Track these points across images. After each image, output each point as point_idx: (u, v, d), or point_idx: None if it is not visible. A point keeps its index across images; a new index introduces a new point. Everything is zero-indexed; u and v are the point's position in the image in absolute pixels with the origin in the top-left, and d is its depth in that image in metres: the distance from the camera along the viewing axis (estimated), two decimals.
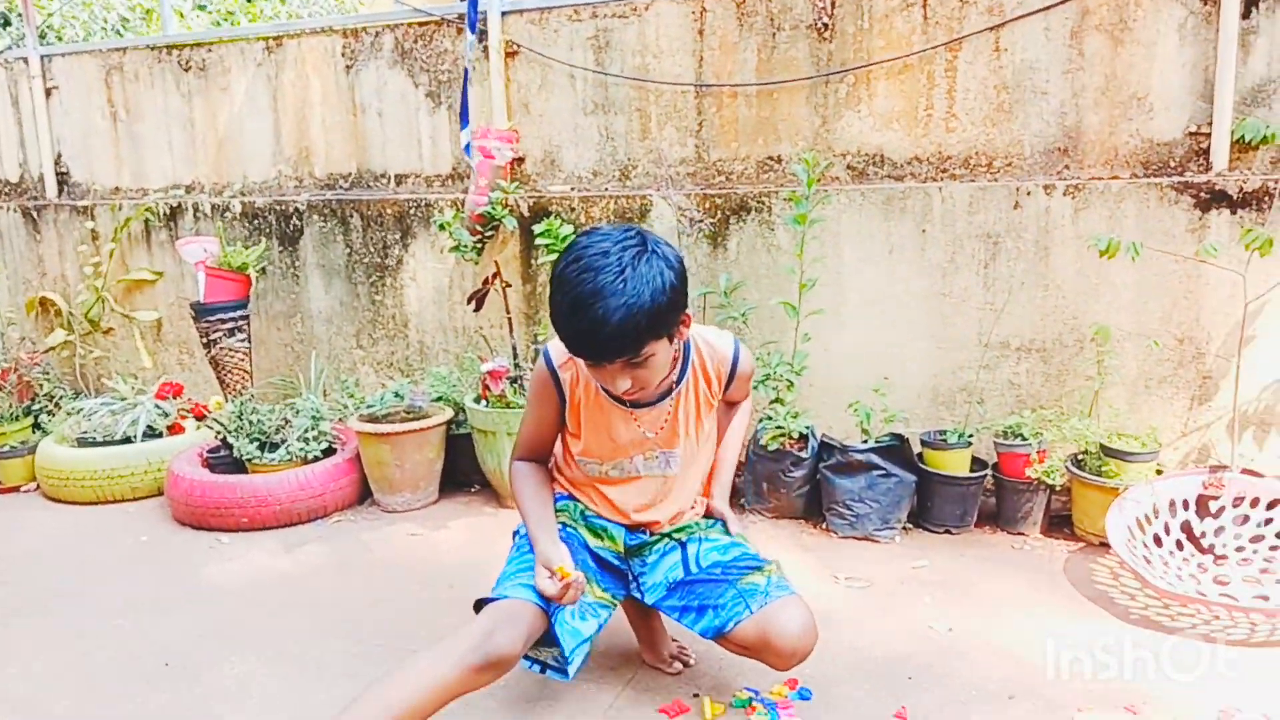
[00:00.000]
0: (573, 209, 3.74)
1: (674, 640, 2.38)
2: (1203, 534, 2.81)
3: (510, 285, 3.73)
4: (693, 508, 2.22)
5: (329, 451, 3.66)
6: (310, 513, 3.45)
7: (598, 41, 3.73)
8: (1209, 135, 3.02)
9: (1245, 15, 2.95)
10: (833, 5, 3.40)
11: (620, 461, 2.10)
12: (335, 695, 2.23)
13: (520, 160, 3.93)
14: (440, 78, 4.03)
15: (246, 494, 3.37)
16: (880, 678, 2.27)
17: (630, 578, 2.18)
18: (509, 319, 3.72)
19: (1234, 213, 2.96)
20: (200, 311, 4.08)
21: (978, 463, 3.21)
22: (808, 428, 3.28)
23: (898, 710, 2.12)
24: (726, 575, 2.04)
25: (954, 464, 3.15)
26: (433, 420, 3.53)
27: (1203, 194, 2.99)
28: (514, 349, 3.73)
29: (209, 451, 3.67)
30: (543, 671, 2.06)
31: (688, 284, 1.85)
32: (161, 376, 4.56)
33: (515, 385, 3.51)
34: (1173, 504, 2.83)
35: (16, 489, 4.01)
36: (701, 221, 3.57)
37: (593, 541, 2.14)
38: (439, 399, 3.72)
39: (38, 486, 3.95)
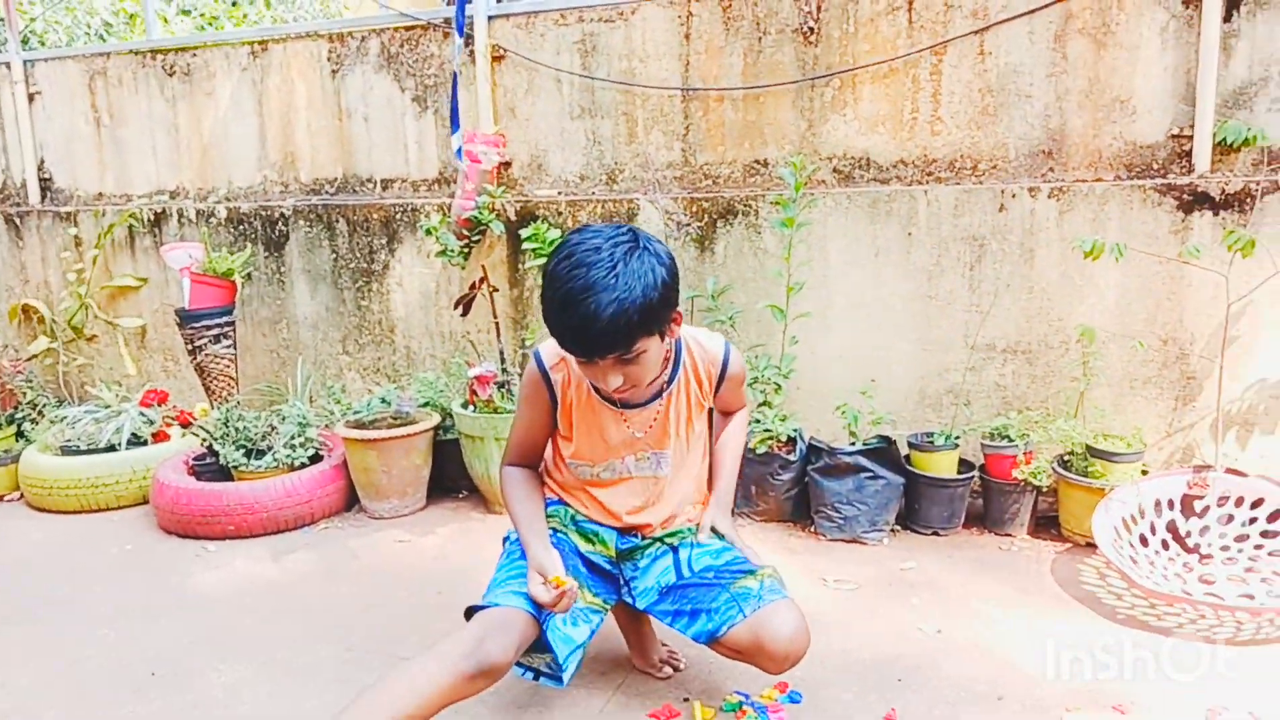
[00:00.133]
0: (560, 213, 3.74)
1: (664, 645, 2.38)
2: (1188, 533, 2.83)
3: (497, 290, 3.73)
4: (685, 512, 2.21)
5: (316, 458, 3.64)
6: (297, 520, 3.43)
7: (584, 45, 3.73)
8: (1191, 138, 3.05)
9: (1226, 19, 2.97)
10: (818, 9, 3.41)
11: (612, 462, 2.09)
12: (326, 702, 2.23)
13: (507, 164, 3.93)
14: (426, 82, 4.02)
15: (233, 501, 3.35)
16: (869, 680, 2.28)
17: (621, 582, 2.17)
18: (496, 323, 3.72)
19: (1216, 214, 2.98)
20: (185, 318, 4.05)
21: (965, 464, 3.22)
22: (796, 430, 3.28)
23: (887, 712, 2.13)
24: (719, 579, 2.04)
25: (941, 466, 3.16)
26: (420, 426, 3.52)
27: (1185, 196, 3.01)
28: (501, 354, 3.72)
29: (194, 459, 3.65)
30: (536, 679, 2.05)
31: (679, 282, 1.85)
32: (146, 384, 4.53)
33: (503, 390, 3.50)
34: (1158, 504, 2.84)
35: (0, 498, 3.97)
36: (688, 225, 3.57)
37: (584, 546, 2.14)
38: (426, 404, 3.71)
39: (21, 496, 3.92)
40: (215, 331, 4.06)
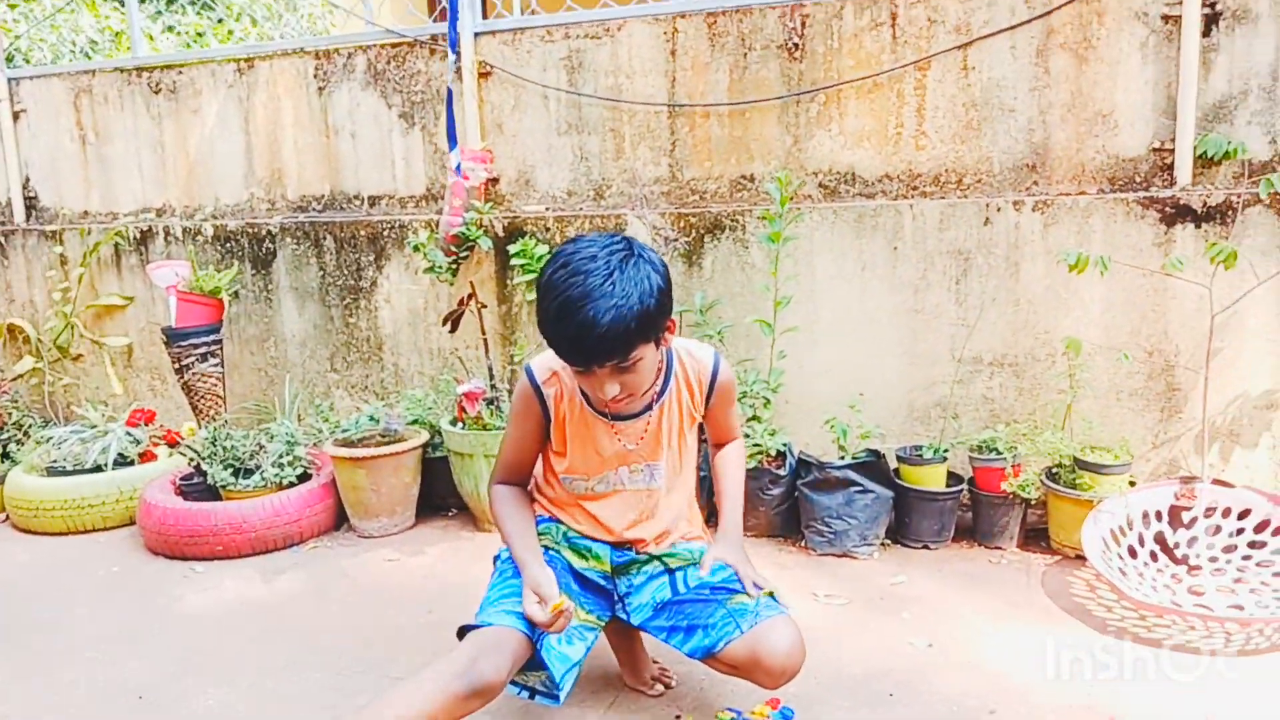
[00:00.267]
0: (548, 229, 3.75)
1: (655, 662, 2.37)
2: (1176, 545, 2.84)
3: (486, 306, 3.73)
4: (679, 529, 2.20)
5: (304, 477, 3.63)
6: (286, 539, 3.42)
7: (571, 62, 3.74)
8: (1173, 151, 3.08)
9: (1206, 34, 3.01)
10: (803, 25, 3.43)
11: (606, 475, 2.09)
12: None
13: (495, 180, 3.93)
14: (413, 98, 4.03)
15: (221, 521, 3.33)
16: (861, 695, 2.28)
17: (616, 598, 2.17)
18: (485, 340, 3.71)
19: (1199, 226, 3.01)
20: (172, 336, 4.04)
21: (954, 477, 3.23)
22: (785, 445, 3.29)
23: None
24: (715, 595, 2.03)
25: (930, 479, 3.17)
26: (408, 444, 3.51)
27: (1168, 209, 3.04)
28: (490, 370, 3.72)
29: (182, 479, 3.63)
30: (531, 697, 2.05)
31: (673, 289, 1.86)
32: (133, 403, 4.50)
33: (492, 407, 3.50)
34: (1146, 515, 2.86)
35: None
36: (676, 240, 3.58)
37: (577, 562, 2.13)
38: (415, 422, 3.71)
39: (6, 517, 3.88)
40: (202, 350, 4.05)
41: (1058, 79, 3.18)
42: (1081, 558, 2.87)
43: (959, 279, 3.28)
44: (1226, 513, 2.80)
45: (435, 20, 4.19)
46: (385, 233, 4.04)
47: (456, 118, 3.86)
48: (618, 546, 2.15)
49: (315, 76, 4.19)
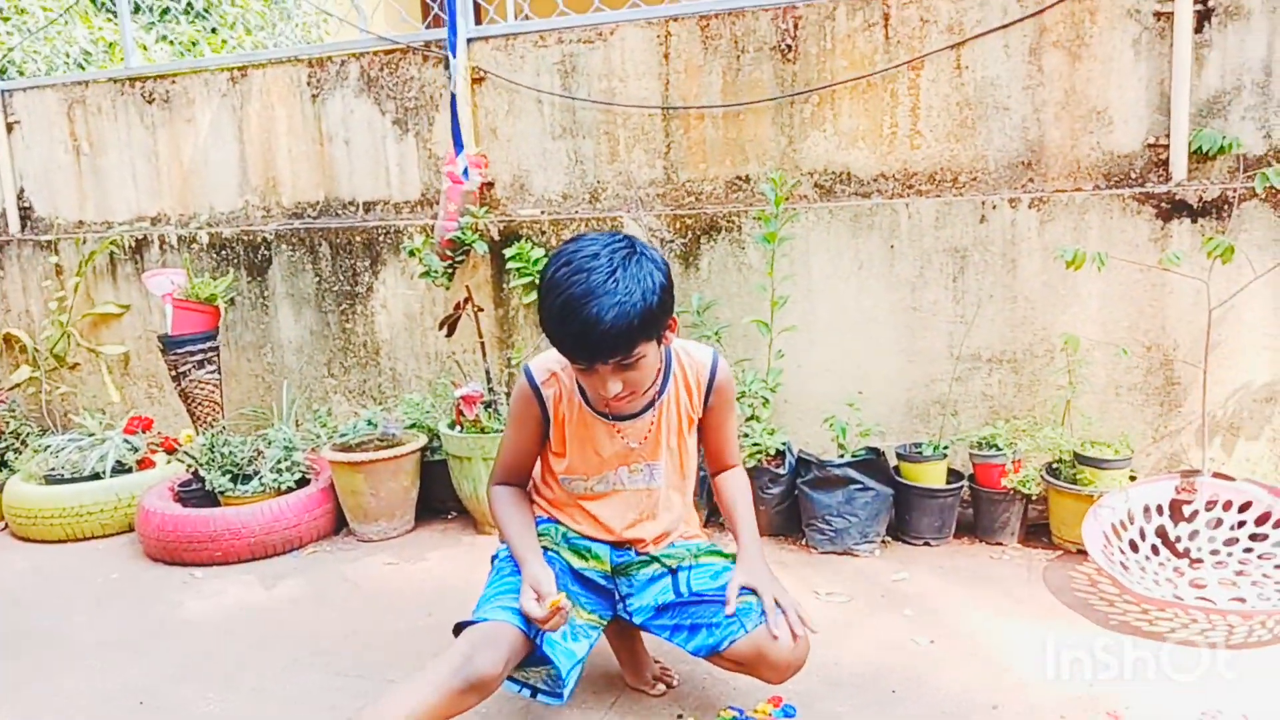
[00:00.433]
0: (543, 232, 3.74)
1: (657, 661, 2.36)
2: (1177, 538, 2.84)
3: (482, 309, 3.72)
4: (678, 529, 2.20)
5: (303, 482, 3.62)
6: (285, 544, 3.41)
7: (564, 66, 3.75)
8: (1168, 147, 3.08)
9: (1198, 29, 3.02)
10: (795, 27, 3.44)
11: (606, 475, 2.09)
12: None
13: (489, 185, 3.93)
14: (407, 105, 4.03)
15: (219, 527, 3.32)
16: (863, 692, 2.27)
17: (617, 597, 2.16)
18: (481, 343, 3.71)
19: (1195, 221, 3.01)
20: (168, 344, 4.03)
21: (954, 474, 3.23)
22: (784, 444, 3.28)
23: None
24: (719, 596, 2.02)
25: (930, 476, 3.17)
26: (407, 448, 3.51)
27: (1164, 204, 3.04)
28: (487, 373, 3.71)
29: (180, 485, 3.62)
30: (533, 695, 2.04)
31: (674, 287, 1.86)
32: (130, 411, 4.49)
33: (490, 410, 3.49)
34: (1147, 509, 2.86)
35: None
36: (672, 242, 3.58)
37: (577, 563, 2.13)
38: (413, 426, 3.70)
39: (5, 526, 3.87)
40: (199, 357, 4.04)
41: (1051, 77, 3.19)
42: (1083, 553, 2.86)
43: (956, 277, 3.28)
44: (1228, 506, 2.80)
45: (428, 27, 4.19)
46: (380, 238, 4.04)
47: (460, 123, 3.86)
48: (617, 546, 2.15)
49: (309, 84, 4.19)
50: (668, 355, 2.05)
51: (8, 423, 4.37)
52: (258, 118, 4.32)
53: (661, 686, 2.31)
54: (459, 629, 1.92)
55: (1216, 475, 2.87)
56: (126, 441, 3.90)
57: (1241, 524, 2.78)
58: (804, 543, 3.24)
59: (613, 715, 2.23)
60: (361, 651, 2.62)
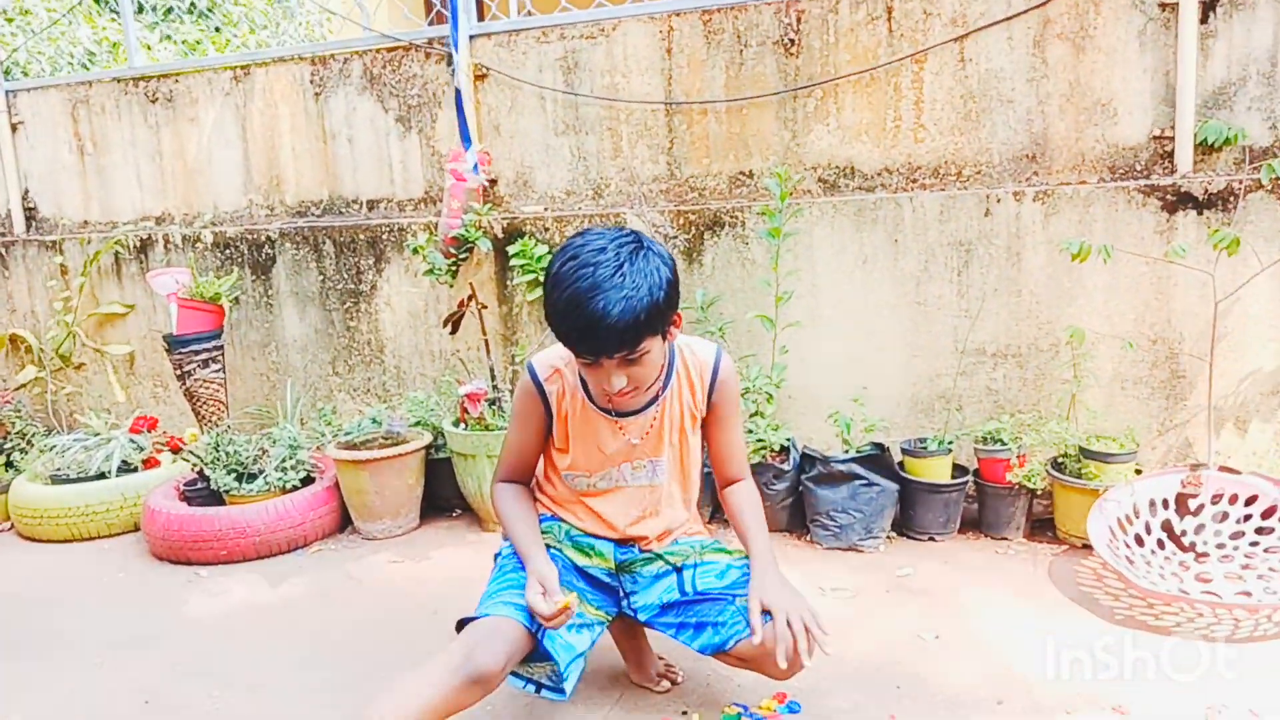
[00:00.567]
0: (547, 229, 3.74)
1: (660, 658, 2.36)
2: (1183, 532, 2.83)
3: (486, 307, 3.72)
4: (681, 527, 2.19)
5: (307, 480, 3.62)
6: (290, 543, 3.41)
7: (566, 62, 3.74)
8: (1173, 138, 3.07)
9: (1203, 20, 3.00)
10: (798, 21, 3.43)
11: (609, 471, 2.09)
12: None
13: (493, 182, 3.93)
14: (410, 102, 4.03)
15: (225, 526, 3.32)
16: (869, 688, 2.26)
17: (621, 594, 2.16)
18: (485, 341, 3.71)
19: (1200, 213, 3.00)
20: (173, 343, 4.04)
21: (959, 469, 3.22)
22: (789, 440, 3.28)
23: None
24: (724, 595, 2.02)
25: (935, 471, 3.16)
26: (411, 446, 3.51)
27: (1169, 196, 3.03)
28: (491, 371, 3.71)
29: (186, 484, 3.62)
30: (537, 691, 2.04)
31: (680, 282, 1.86)
32: (135, 410, 4.51)
33: (494, 407, 3.49)
34: (1152, 503, 2.84)
35: None
36: (676, 238, 3.58)
37: (580, 560, 2.12)
38: (417, 424, 3.70)
39: (12, 526, 3.88)
40: (204, 356, 4.04)
41: (1055, 69, 3.17)
42: (1088, 547, 2.85)
43: (960, 270, 3.27)
44: (1233, 499, 2.79)
45: (431, 24, 4.19)
46: (384, 236, 4.04)
47: (454, 121, 3.85)
48: (621, 544, 2.14)
49: (311, 82, 4.19)
50: (671, 351, 2.04)
51: (13, 423, 4.38)
52: (261, 116, 4.32)
53: (666, 683, 2.31)
54: (461, 625, 1.92)
55: (1222, 468, 2.86)
56: (132, 441, 3.90)
57: (1248, 517, 2.76)
58: (809, 538, 3.23)
59: (617, 711, 2.23)
60: (366, 649, 2.62)
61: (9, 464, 4.22)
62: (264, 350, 4.36)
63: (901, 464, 3.23)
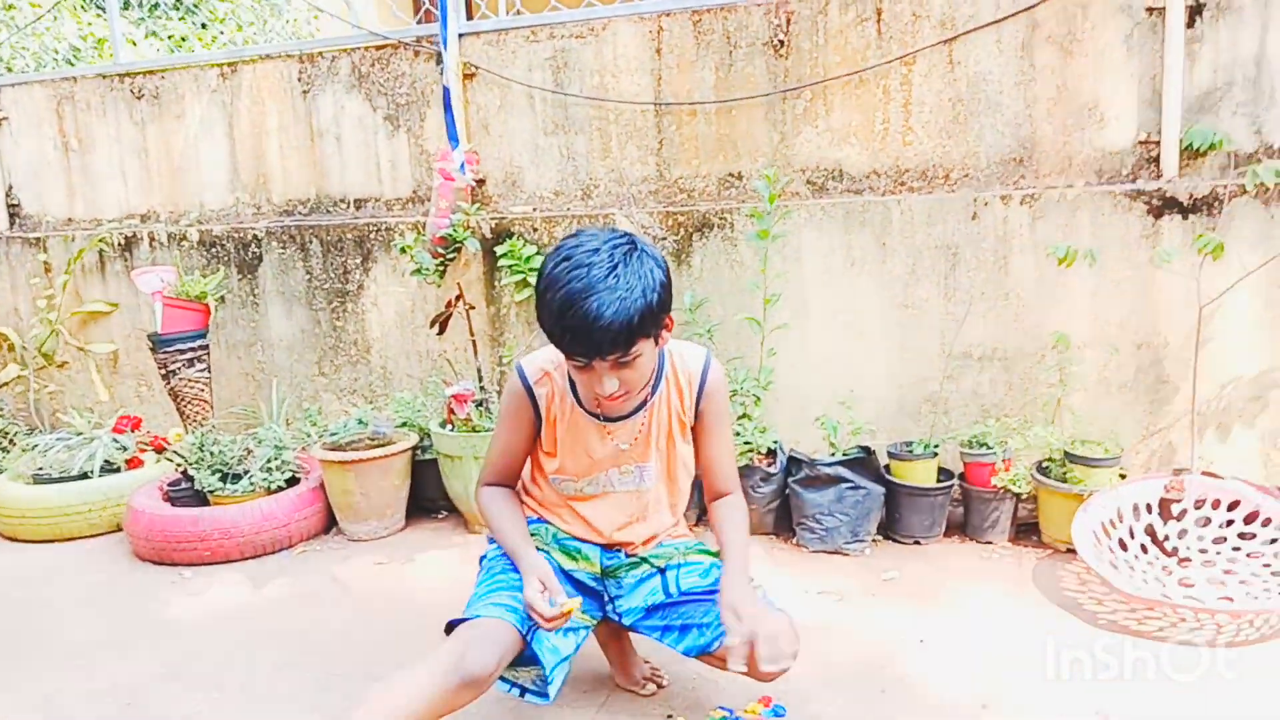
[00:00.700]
0: (535, 229, 3.73)
1: (646, 661, 2.36)
2: (1166, 537, 2.84)
3: (474, 307, 3.71)
4: (666, 531, 2.19)
5: (293, 481, 3.60)
6: (275, 544, 3.39)
7: (556, 62, 3.73)
8: (1159, 143, 3.08)
9: (1190, 25, 3.01)
10: (788, 22, 3.43)
11: (596, 477, 2.08)
12: None
13: (481, 182, 3.92)
14: (398, 101, 4.01)
15: (209, 526, 3.30)
16: (853, 692, 2.27)
17: (606, 599, 2.15)
18: (473, 341, 3.70)
19: (1185, 218, 3.01)
20: (158, 342, 4.01)
21: (944, 473, 3.22)
22: (775, 442, 3.28)
23: None
24: (708, 596, 2.02)
25: (921, 475, 3.16)
26: (397, 447, 3.49)
27: (1155, 201, 3.04)
28: (479, 372, 3.70)
29: (169, 485, 3.60)
30: (522, 695, 2.03)
31: (672, 285, 1.85)
32: (119, 410, 4.47)
33: (481, 408, 3.48)
34: (1136, 508, 2.85)
35: None
36: (664, 239, 3.57)
37: (567, 564, 2.12)
38: (403, 425, 3.69)
39: None
40: (189, 355, 4.02)
41: (1043, 72, 3.18)
42: (1072, 551, 2.86)
43: (948, 274, 3.27)
44: (1216, 504, 2.80)
45: (420, 22, 4.17)
46: (372, 235, 4.02)
47: (442, 120, 3.84)
48: (607, 548, 2.14)
49: (299, 80, 4.17)
50: (660, 355, 2.04)
51: None
52: (248, 114, 4.29)
53: (651, 687, 2.31)
54: (450, 627, 1.91)
55: (1205, 473, 2.87)
56: (115, 440, 3.88)
57: (1230, 523, 2.78)
58: (795, 541, 3.23)
59: (603, 715, 2.22)
60: (350, 651, 2.60)
61: None
62: (249, 350, 4.34)
63: (888, 467, 3.24)
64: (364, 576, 3.17)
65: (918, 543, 3.18)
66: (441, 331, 3.66)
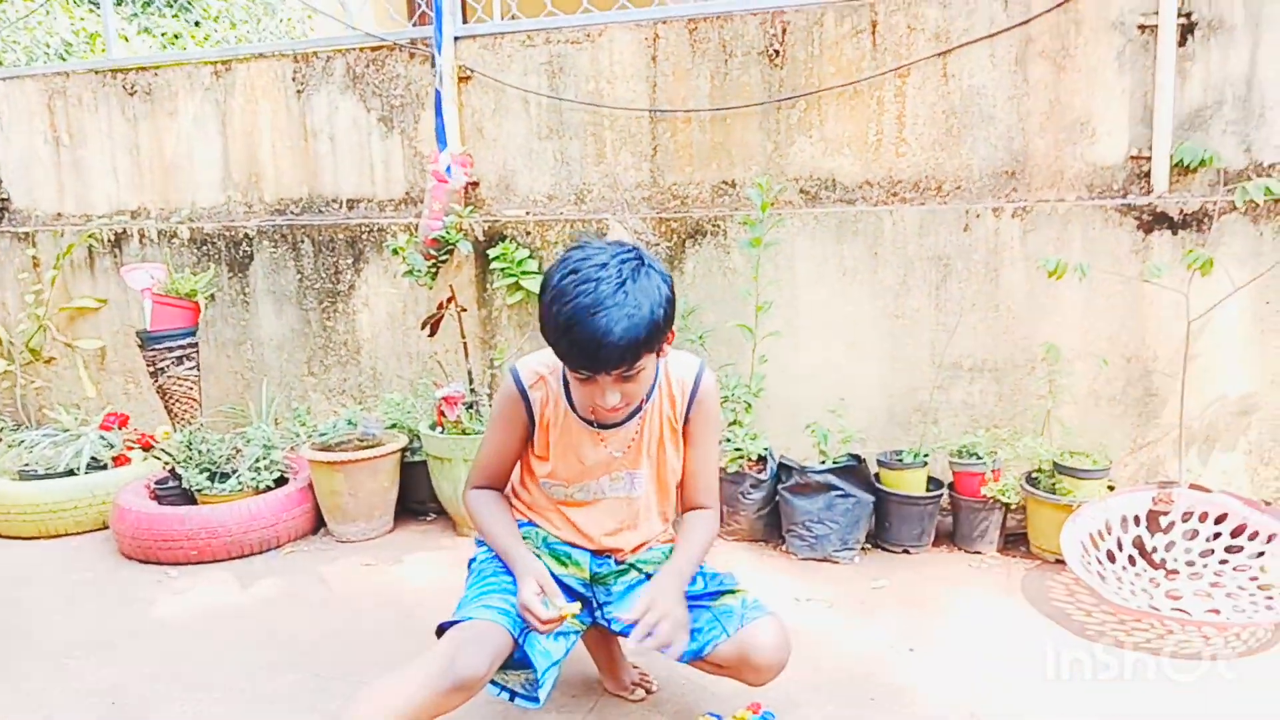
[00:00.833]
0: (528, 233, 3.73)
1: (635, 666, 2.36)
2: (1154, 549, 2.86)
3: (465, 310, 3.71)
4: (655, 537, 2.19)
5: (281, 481, 3.59)
6: (262, 544, 3.38)
7: (551, 67, 3.74)
8: (1149, 159, 3.10)
9: (1181, 43, 3.04)
10: (783, 32, 3.44)
11: (587, 484, 2.08)
12: None
13: (475, 184, 3.92)
14: (392, 102, 4.01)
15: (196, 526, 3.28)
16: (842, 700, 2.27)
17: (595, 605, 2.15)
18: (464, 344, 3.69)
19: (1175, 234, 3.04)
20: (147, 339, 3.98)
21: (934, 482, 3.24)
22: (766, 449, 3.28)
23: None
24: (699, 601, 2.03)
25: (910, 484, 3.17)
26: (386, 448, 3.48)
27: (1145, 216, 3.07)
28: (469, 374, 3.70)
29: (157, 483, 3.58)
30: (511, 699, 2.03)
31: (676, 299, 1.86)
32: (106, 407, 4.45)
33: (471, 411, 3.48)
34: (1124, 520, 2.87)
35: None
36: (657, 245, 3.58)
37: (556, 569, 2.11)
38: (393, 426, 3.68)
39: None
40: (178, 353, 3.99)
41: (1036, 87, 3.20)
42: (1061, 562, 2.88)
43: (939, 285, 3.29)
44: (1204, 517, 2.82)
45: (415, 24, 4.17)
46: (364, 236, 4.01)
47: (437, 122, 3.84)
48: (596, 554, 2.14)
49: (293, 80, 4.16)
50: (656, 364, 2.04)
51: None
52: (241, 112, 4.28)
53: (640, 692, 2.31)
54: (441, 630, 1.91)
55: (1193, 486, 2.89)
56: (102, 438, 3.85)
57: (1217, 535, 2.80)
58: (784, 549, 3.24)
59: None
60: (338, 652, 2.59)
61: None
62: (239, 348, 4.32)
63: (877, 476, 3.25)
64: (352, 577, 3.16)
65: (907, 551, 3.19)
66: (433, 333, 3.66)
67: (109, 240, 4.47)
